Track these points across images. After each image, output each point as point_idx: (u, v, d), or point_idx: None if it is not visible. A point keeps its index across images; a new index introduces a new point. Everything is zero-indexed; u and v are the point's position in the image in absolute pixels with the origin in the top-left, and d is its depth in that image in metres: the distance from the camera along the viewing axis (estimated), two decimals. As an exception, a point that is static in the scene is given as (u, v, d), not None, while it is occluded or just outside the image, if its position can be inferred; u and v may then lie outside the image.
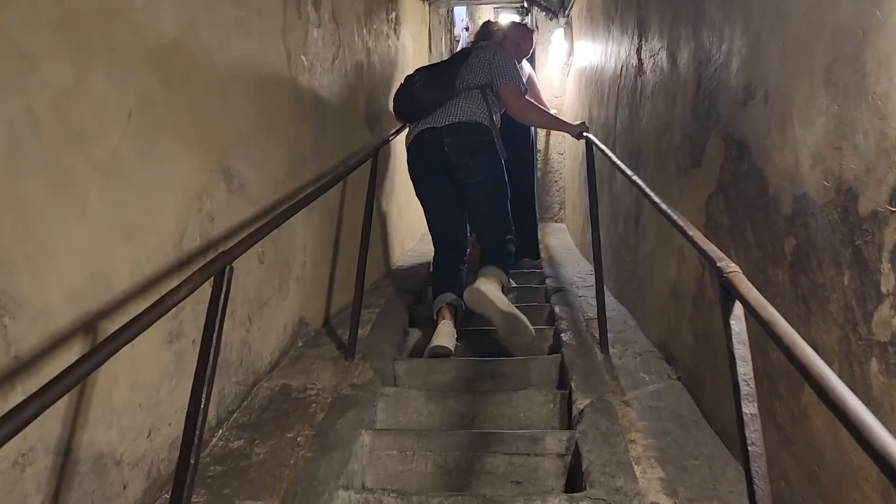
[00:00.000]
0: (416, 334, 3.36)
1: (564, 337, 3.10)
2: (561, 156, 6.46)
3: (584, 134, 3.29)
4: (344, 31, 3.66)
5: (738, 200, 2.14)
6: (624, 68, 3.75)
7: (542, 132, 6.50)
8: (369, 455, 2.32)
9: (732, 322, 1.18)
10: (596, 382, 2.66)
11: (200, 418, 1.40)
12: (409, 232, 5.52)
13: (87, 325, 1.69)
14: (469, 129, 3.30)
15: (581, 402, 2.52)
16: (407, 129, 3.63)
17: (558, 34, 6.43)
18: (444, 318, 3.21)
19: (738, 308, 1.19)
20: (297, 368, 2.80)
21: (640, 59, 3.38)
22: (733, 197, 2.18)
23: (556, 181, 6.45)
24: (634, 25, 3.50)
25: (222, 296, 1.50)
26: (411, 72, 3.69)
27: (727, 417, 2.22)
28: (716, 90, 2.34)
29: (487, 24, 4.05)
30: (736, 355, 1.14)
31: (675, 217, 1.62)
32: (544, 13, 6.62)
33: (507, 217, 3.38)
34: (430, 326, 3.44)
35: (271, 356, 2.77)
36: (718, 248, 2.22)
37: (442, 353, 3.05)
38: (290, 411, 2.46)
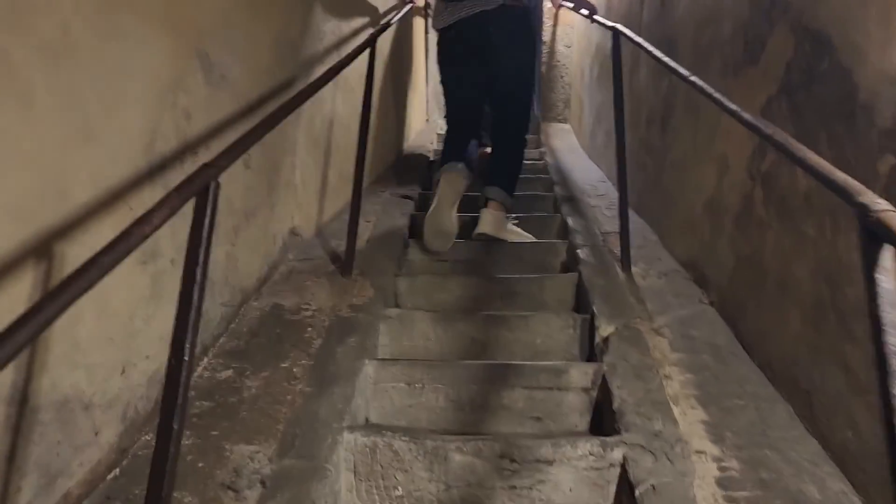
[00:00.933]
0: (417, 246, 3.07)
1: (581, 253, 2.83)
2: (568, 48, 5.98)
3: (614, 25, 2.91)
4: None
5: (809, 106, 1.83)
6: (654, -52, 3.31)
7: (548, 22, 6.01)
8: (374, 387, 2.08)
9: (879, 276, 0.89)
10: (620, 306, 2.41)
11: (184, 373, 1.12)
12: (409, 126, 5.13)
13: (40, 248, 1.39)
14: (517, 13, 3.13)
15: (605, 329, 2.29)
16: (435, 10, 3.32)
17: None
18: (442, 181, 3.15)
19: (887, 257, 0.91)
20: (289, 286, 2.52)
21: (677, -63, 2.95)
22: (803, 101, 1.86)
23: (561, 76, 5.99)
24: None
25: (207, 219, 1.19)
26: None
27: (774, 352, 2.00)
28: (786, -27, 1.98)
29: None
30: (884, 321, 0.87)
31: (783, 141, 1.29)
32: None
33: (528, 111, 3.33)
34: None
35: (260, 272, 2.48)
36: (775, 162, 1.92)
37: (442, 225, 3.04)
38: (284, 337, 2.20)
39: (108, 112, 1.60)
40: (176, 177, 1.87)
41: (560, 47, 6.00)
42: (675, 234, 2.84)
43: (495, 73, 3.17)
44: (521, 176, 3.81)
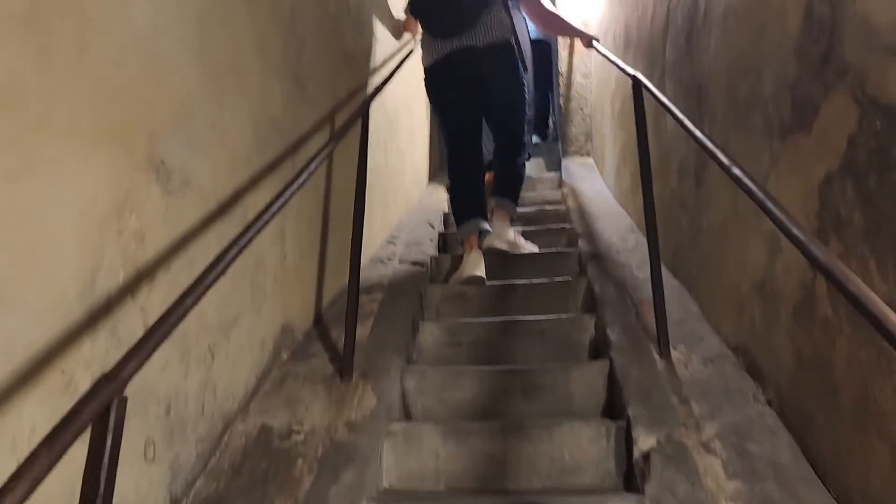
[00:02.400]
0: (429, 329, 2.76)
1: (611, 333, 2.49)
2: (586, 79, 5.63)
3: (635, 74, 2.58)
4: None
5: (884, 196, 1.48)
6: (675, -22, 2.97)
7: (564, 51, 5.67)
8: (374, 536, 1.78)
9: None
10: (661, 408, 2.07)
11: None
12: (414, 180, 4.84)
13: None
14: (504, 48, 3.30)
15: (644, 441, 1.96)
16: (423, 46, 3.46)
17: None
18: (472, 248, 3.23)
19: None
20: (280, 397, 2.23)
21: (701, -31, 2.61)
22: (875, 187, 1.52)
23: (580, 108, 5.63)
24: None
25: (107, 452, 0.90)
26: None
27: (855, 485, 1.64)
28: (841, 28, 1.64)
29: None
30: None
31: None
32: None
33: (523, 135, 3.45)
34: (447, 319, 2.93)
35: (246, 387, 2.19)
36: (841, 255, 1.57)
37: (477, 282, 3.11)
38: (270, 474, 1.90)
39: (26, 261, 1.32)
40: (125, 315, 1.60)
41: (578, 78, 5.65)
42: (719, 307, 2.49)
43: (487, 103, 3.35)
44: (541, 227, 3.83)
